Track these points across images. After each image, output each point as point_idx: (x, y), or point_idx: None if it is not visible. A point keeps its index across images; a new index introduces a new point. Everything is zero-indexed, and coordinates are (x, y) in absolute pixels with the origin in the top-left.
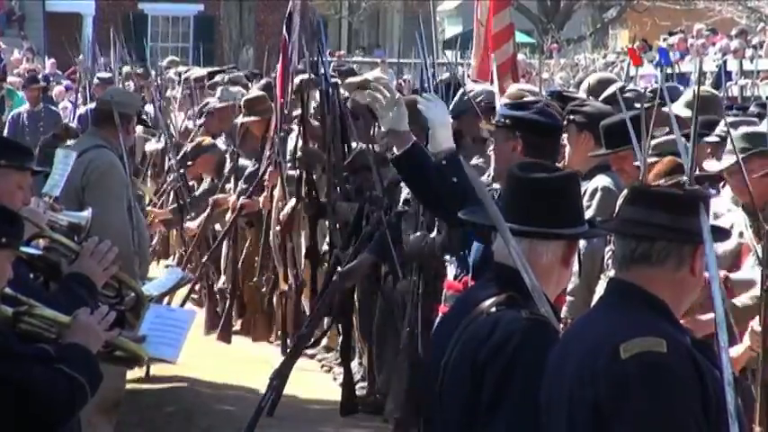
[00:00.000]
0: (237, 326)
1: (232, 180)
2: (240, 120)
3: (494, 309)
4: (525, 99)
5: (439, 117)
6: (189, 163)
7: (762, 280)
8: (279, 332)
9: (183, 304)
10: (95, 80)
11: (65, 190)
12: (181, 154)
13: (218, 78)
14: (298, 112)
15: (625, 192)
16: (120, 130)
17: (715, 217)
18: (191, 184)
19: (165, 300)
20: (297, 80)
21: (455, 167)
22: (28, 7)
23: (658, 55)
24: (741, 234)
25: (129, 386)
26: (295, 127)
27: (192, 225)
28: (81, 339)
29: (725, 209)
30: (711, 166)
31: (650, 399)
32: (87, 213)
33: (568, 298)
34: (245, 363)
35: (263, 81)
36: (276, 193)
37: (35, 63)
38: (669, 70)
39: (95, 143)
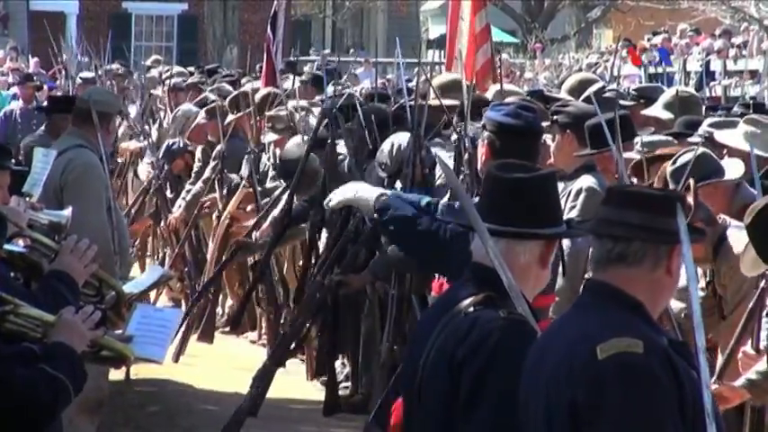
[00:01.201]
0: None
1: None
2: (228, 118)
3: (472, 308)
4: (507, 99)
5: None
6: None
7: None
8: (264, 333)
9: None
10: (78, 80)
11: (44, 189)
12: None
13: (194, 78)
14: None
15: None
16: (99, 129)
17: None
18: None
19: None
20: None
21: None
22: (12, 6)
23: (658, 54)
24: None
25: (112, 386)
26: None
27: (173, 217)
28: (65, 338)
29: None
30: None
31: (627, 399)
32: (67, 212)
33: (555, 298)
34: (228, 363)
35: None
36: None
37: (19, 62)
38: (653, 70)
39: (75, 143)
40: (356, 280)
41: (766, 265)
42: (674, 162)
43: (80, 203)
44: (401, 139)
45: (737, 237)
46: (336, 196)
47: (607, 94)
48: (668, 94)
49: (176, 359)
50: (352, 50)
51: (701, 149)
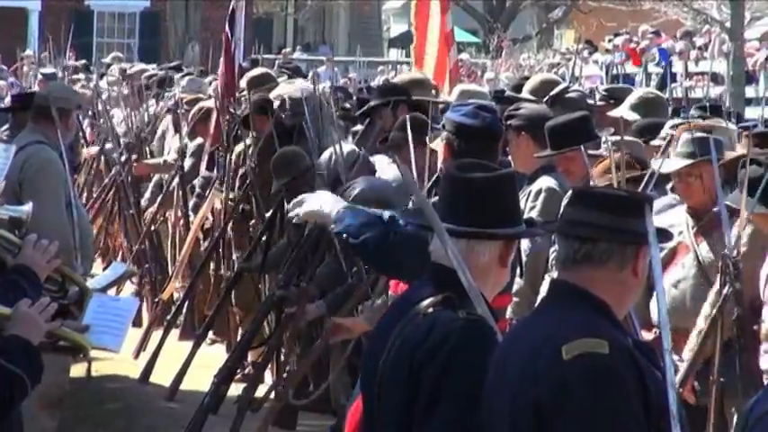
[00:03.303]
0: None
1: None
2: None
3: (431, 309)
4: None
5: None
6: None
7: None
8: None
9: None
10: (39, 76)
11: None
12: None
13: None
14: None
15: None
16: (58, 125)
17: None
18: None
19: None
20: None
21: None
22: None
23: (658, 55)
24: (680, 233)
25: (72, 383)
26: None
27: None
28: (21, 331)
29: (668, 205)
30: (664, 167)
31: (592, 400)
32: (28, 208)
33: (514, 299)
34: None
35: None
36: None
37: None
38: (615, 71)
39: (34, 139)
40: (310, 311)
41: None
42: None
43: (37, 200)
44: (343, 148)
45: None
46: (302, 208)
47: (571, 95)
48: (635, 95)
49: (136, 356)
50: (299, 48)
51: None
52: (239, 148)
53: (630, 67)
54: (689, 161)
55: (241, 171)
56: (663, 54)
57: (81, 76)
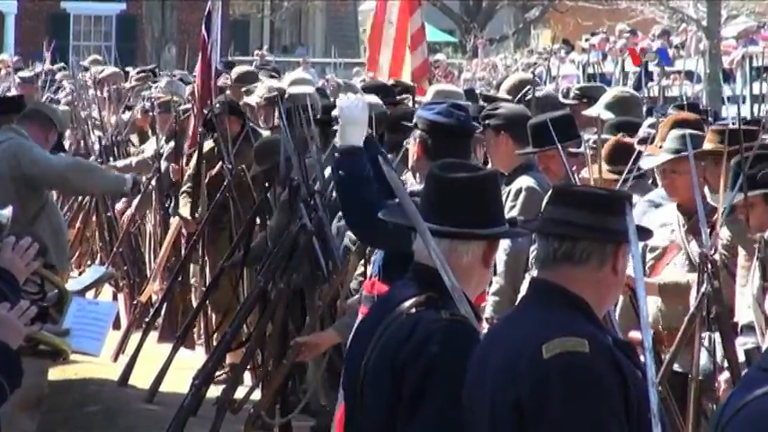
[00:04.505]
0: None
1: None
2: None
3: (413, 309)
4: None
5: (354, 116)
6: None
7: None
8: (203, 333)
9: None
10: (17, 79)
11: None
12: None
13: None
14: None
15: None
16: (40, 130)
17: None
18: None
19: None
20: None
21: (349, 162)
22: None
23: (658, 55)
24: (672, 231)
25: (51, 385)
26: None
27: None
28: (0, 335)
29: (661, 200)
30: (646, 162)
31: (572, 399)
32: (7, 211)
33: (494, 298)
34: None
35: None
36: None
37: None
38: (591, 70)
39: (7, 136)
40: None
41: None
42: None
43: (43, 164)
44: None
45: None
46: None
47: (539, 94)
48: (609, 94)
49: (115, 358)
50: (266, 48)
51: None
52: (205, 148)
53: (607, 66)
54: (669, 156)
55: (213, 171)
56: (663, 54)
57: (65, 84)
